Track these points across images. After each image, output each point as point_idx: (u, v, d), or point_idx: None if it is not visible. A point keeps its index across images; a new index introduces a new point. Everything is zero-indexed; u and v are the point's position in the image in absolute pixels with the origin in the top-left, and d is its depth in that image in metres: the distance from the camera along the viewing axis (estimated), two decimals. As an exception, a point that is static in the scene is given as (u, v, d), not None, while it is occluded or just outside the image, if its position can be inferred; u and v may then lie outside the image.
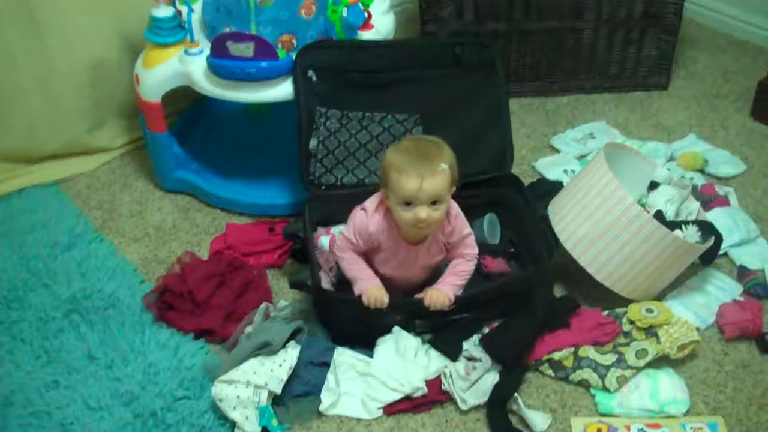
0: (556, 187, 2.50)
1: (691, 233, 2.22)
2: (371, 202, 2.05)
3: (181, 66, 2.42)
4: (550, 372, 2.06)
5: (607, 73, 3.08)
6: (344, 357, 2.05)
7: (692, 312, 2.20)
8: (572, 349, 2.06)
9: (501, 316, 2.11)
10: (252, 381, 1.95)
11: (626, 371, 2.01)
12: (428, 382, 2.00)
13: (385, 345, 2.07)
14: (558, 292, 2.26)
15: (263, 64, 2.32)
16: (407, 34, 3.26)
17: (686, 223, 2.25)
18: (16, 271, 2.36)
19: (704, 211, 2.38)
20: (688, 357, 2.09)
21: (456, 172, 1.96)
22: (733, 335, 2.15)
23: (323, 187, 2.39)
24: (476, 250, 2.11)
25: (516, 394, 1.98)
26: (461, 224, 2.07)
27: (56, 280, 2.33)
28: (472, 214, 2.23)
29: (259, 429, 1.93)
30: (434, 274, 2.14)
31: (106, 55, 2.68)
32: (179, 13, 2.44)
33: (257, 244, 2.40)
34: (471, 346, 2.07)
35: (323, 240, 2.28)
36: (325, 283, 2.15)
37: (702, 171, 2.70)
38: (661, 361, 2.06)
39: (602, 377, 2.01)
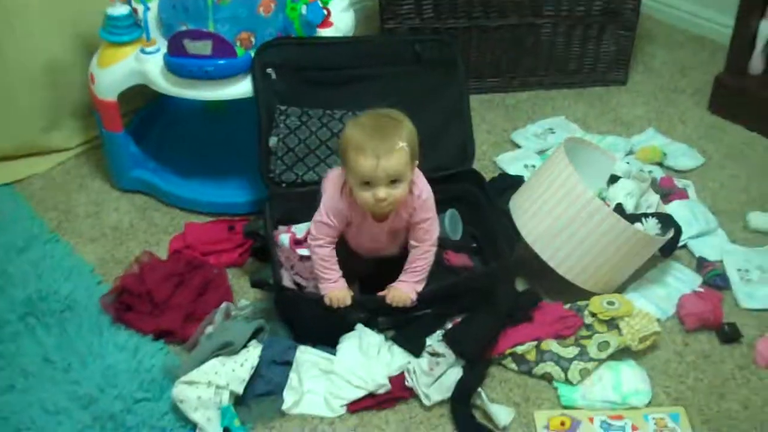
0: (517, 182, 2.51)
1: (651, 226, 2.24)
2: (335, 179, 2.04)
3: (138, 65, 2.41)
4: (513, 366, 2.07)
5: (566, 68, 3.11)
6: (307, 355, 2.05)
7: (653, 304, 2.22)
8: (535, 343, 2.07)
9: (464, 311, 2.11)
10: (213, 381, 1.94)
11: (588, 364, 2.03)
12: (392, 379, 2.00)
13: (348, 342, 2.06)
14: (520, 286, 2.27)
15: (221, 62, 2.32)
16: (367, 31, 3.26)
17: (646, 215, 2.27)
18: (-30, 275, 2.33)
19: (663, 203, 2.41)
20: (650, 348, 2.11)
21: (416, 147, 1.94)
22: (693, 326, 2.17)
23: (284, 185, 2.38)
24: (435, 238, 2.09)
25: (480, 389, 1.99)
26: (426, 208, 2.04)
27: (11, 283, 2.30)
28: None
29: (221, 430, 1.91)
30: (403, 245, 2.13)
31: (60, 54, 2.66)
32: (135, 11, 2.42)
33: (217, 243, 2.39)
34: (434, 341, 2.07)
35: (284, 238, 2.27)
36: (287, 281, 2.15)
37: (661, 164, 2.73)
38: (623, 353, 2.08)
39: (565, 370, 2.02)
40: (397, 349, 2.06)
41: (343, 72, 2.46)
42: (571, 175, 2.15)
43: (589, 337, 2.08)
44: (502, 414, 1.95)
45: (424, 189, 2.03)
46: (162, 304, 2.19)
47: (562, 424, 1.94)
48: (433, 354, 2.05)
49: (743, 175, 2.70)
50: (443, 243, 2.20)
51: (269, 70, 2.39)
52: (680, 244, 2.34)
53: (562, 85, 3.13)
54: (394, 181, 1.91)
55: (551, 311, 2.14)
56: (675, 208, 2.45)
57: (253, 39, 2.43)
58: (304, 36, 2.46)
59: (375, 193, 1.91)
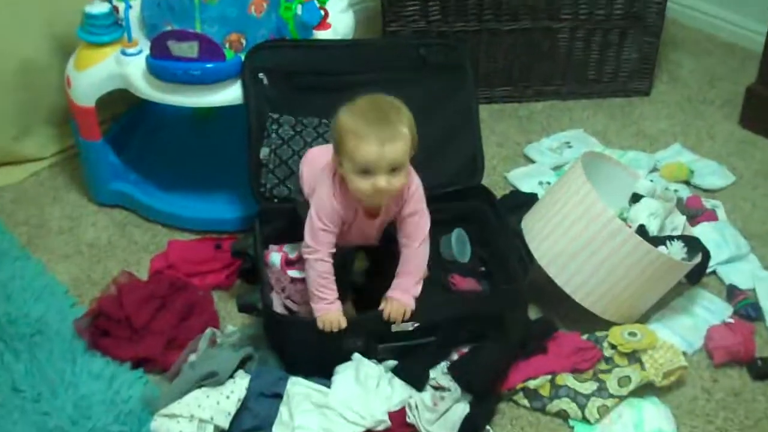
0: (530, 199, 2.51)
1: (677, 249, 2.23)
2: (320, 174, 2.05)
3: (118, 67, 2.41)
4: (525, 402, 2.06)
5: (585, 77, 3.11)
6: (298, 387, 2.03)
7: (678, 335, 2.22)
8: (549, 377, 2.06)
9: (471, 340, 2.10)
10: (196, 415, 1.93)
11: (608, 400, 2.02)
12: (391, 415, 1.99)
13: (344, 373, 2.05)
14: (533, 314, 2.26)
15: (209, 65, 2.32)
16: (368, 34, 3.28)
17: (671, 238, 2.26)
18: (-67, 295, 2.32)
19: (690, 225, 2.40)
20: (675, 384, 2.10)
21: (415, 135, 1.96)
22: (722, 360, 2.16)
23: (275, 200, 2.38)
24: (426, 233, 2.09)
25: (488, 427, 1.98)
26: (416, 199, 2.05)
27: (-23, 304, 2.29)
28: (439, 229, 2.23)
29: (204, 467, 1.91)
30: (388, 234, 2.14)
31: (33, 55, 2.66)
32: (116, 9, 2.43)
33: (202, 262, 2.39)
34: (438, 374, 2.06)
35: (274, 258, 2.26)
36: (278, 305, 2.14)
37: (687, 182, 2.73)
38: (646, 389, 2.07)
39: (582, 407, 2.01)
40: (398, 382, 2.05)
41: (341, 77, 2.46)
42: (589, 193, 2.15)
43: (609, 371, 2.07)
44: (513, 455, 1.94)
45: (414, 179, 2.05)
46: (141, 329, 2.18)
47: (578, 466, 1.94)
48: (438, 388, 2.04)
49: (777, 194, 2.70)
50: (449, 266, 2.19)
51: (261, 75, 2.39)
52: (708, 270, 2.34)
53: (580, 95, 3.13)
54: (393, 170, 1.92)
55: (567, 342, 2.13)
56: (703, 231, 2.44)
57: (243, 41, 2.43)
58: (300, 38, 2.46)
59: (375, 182, 1.91)
